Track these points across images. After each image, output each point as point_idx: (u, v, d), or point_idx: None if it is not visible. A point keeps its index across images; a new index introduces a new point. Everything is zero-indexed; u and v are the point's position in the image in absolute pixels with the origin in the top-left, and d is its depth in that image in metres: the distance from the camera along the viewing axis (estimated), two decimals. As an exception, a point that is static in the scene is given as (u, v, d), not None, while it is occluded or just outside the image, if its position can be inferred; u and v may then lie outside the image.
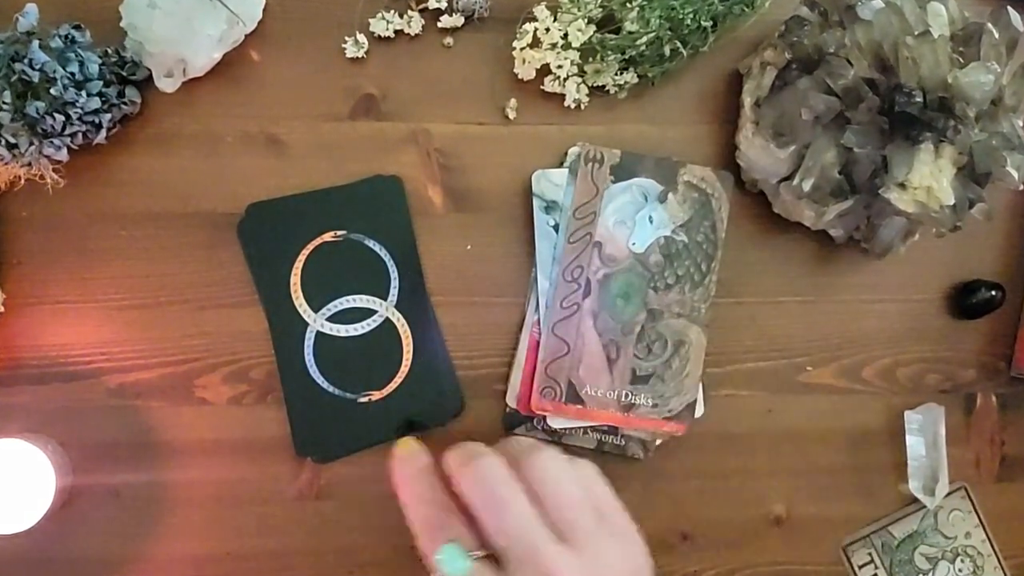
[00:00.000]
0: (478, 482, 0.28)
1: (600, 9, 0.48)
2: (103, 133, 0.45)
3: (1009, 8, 0.45)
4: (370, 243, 0.48)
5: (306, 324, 0.48)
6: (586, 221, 0.49)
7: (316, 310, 0.48)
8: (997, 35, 0.44)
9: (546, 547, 0.26)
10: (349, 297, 0.48)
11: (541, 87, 0.49)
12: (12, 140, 0.43)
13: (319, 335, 0.48)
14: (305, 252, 0.48)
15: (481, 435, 0.49)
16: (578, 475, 0.33)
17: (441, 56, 0.50)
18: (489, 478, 0.28)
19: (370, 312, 0.48)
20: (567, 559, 0.25)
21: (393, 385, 0.48)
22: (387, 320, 0.48)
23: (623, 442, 0.49)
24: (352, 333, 0.48)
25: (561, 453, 0.34)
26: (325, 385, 0.48)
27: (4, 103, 0.42)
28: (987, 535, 0.53)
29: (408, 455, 0.39)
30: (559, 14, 0.48)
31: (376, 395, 0.48)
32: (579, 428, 0.49)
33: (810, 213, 0.47)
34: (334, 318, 0.48)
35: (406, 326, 0.48)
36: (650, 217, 0.49)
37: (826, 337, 0.52)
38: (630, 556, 0.28)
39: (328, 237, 0.48)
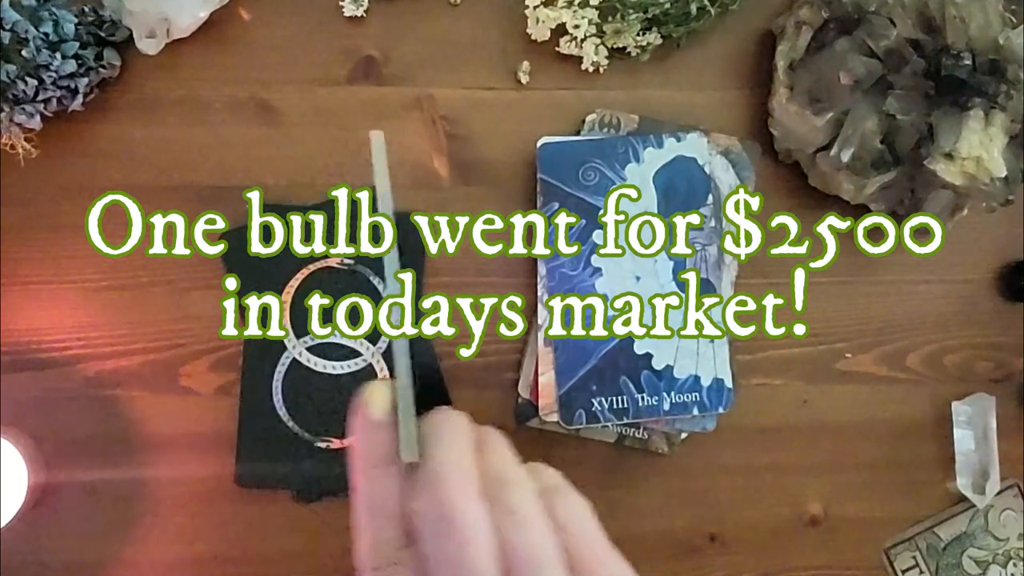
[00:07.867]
0: (516, 525, 0.24)
1: (621, -36, 0.48)
2: (79, 99, 0.45)
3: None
4: (375, 281, 0.48)
5: (284, 348, 0.47)
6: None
7: (299, 336, 0.48)
8: (1053, -10, 0.44)
9: None
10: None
11: (556, 49, 0.49)
12: (-19, 105, 0.43)
13: (294, 363, 0.47)
14: (305, 271, 0.48)
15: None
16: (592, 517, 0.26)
17: (447, 14, 0.50)
18: (528, 523, 0.24)
19: (354, 353, 0.48)
20: None
21: None
22: (369, 367, 0.48)
23: (646, 436, 0.49)
24: (329, 370, 0.48)
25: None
26: (285, 417, 0.47)
27: (-28, 64, 0.41)
28: (1041, 537, 0.53)
29: (381, 412, 0.28)
30: (576, -31, 0.48)
31: (335, 443, 0.47)
32: (598, 420, 0.49)
33: (849, 186, 0.47)
34: (315, 349, 0.48)
35: (388, 379, 0.48)
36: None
37: (867, 321, 0.52)
38: None
39: (334, 262, 0.48)
